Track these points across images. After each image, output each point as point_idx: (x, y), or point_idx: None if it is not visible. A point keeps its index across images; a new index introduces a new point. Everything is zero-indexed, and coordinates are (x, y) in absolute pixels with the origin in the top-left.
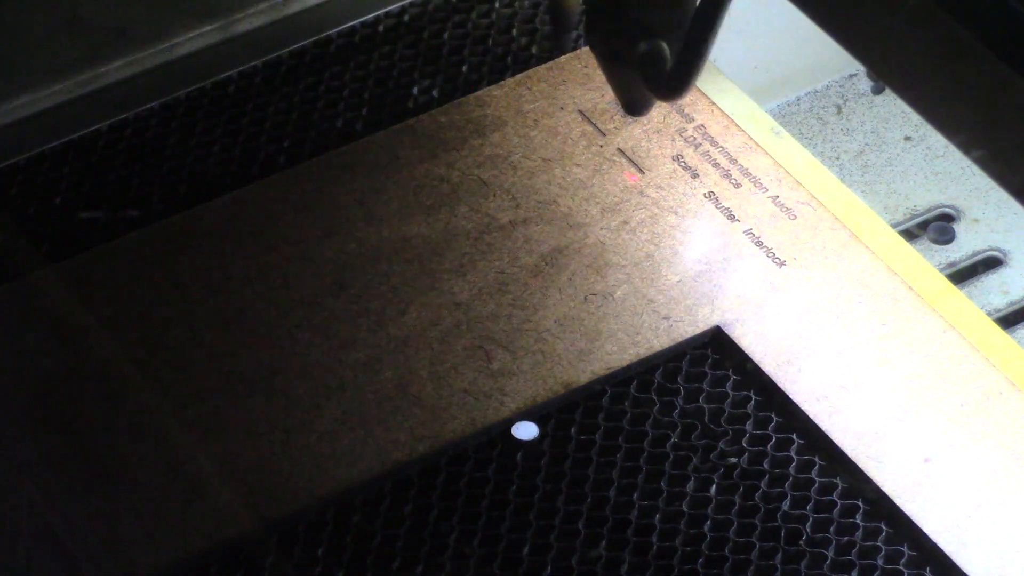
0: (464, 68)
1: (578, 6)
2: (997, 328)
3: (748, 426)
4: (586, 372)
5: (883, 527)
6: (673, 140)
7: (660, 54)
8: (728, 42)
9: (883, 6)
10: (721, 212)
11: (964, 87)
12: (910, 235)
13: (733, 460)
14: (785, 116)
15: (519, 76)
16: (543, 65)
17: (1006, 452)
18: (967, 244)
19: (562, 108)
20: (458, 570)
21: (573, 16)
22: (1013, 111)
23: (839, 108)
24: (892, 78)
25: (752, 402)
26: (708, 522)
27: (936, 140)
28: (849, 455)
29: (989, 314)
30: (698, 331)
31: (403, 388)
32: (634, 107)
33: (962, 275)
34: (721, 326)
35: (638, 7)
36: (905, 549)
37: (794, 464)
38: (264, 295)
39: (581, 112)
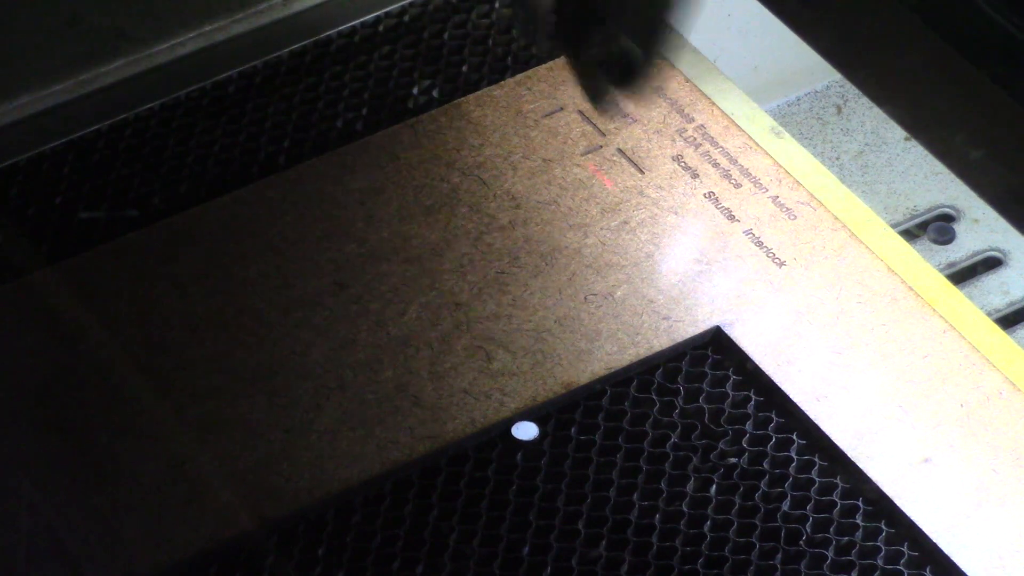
0: (464, 68)
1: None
2: (997, 328)
3: (748, 426)
4: (586, 372)
5: (883, 527)
6: (673, 140)
7: (633, 57)
8: (728, 42)
9: (861, 18)
10: (721, 212)
11: (942, 97)
12: (910, 235)
13: (733, 460)
14: (785, 116)
15: (519, 76)
16: (543, 65)
17: (1006, 452)
18: (967, 244)
19: (562, 108)
20: (458, 570)
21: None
22: (991, 120)
23: (839, 108)
24: (869, 87)
25: (752, 402)
26: (708, 522)
27: None
28: (849, 455)
29: (989, 314)
30: (698, 331)
31: (403, 388)
32: (609, 109)
33: (962, 275)
34: (721, 326)
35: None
36: (905, 549)
37: (794, 464)
38: (264, 295)
39: (581, 112)
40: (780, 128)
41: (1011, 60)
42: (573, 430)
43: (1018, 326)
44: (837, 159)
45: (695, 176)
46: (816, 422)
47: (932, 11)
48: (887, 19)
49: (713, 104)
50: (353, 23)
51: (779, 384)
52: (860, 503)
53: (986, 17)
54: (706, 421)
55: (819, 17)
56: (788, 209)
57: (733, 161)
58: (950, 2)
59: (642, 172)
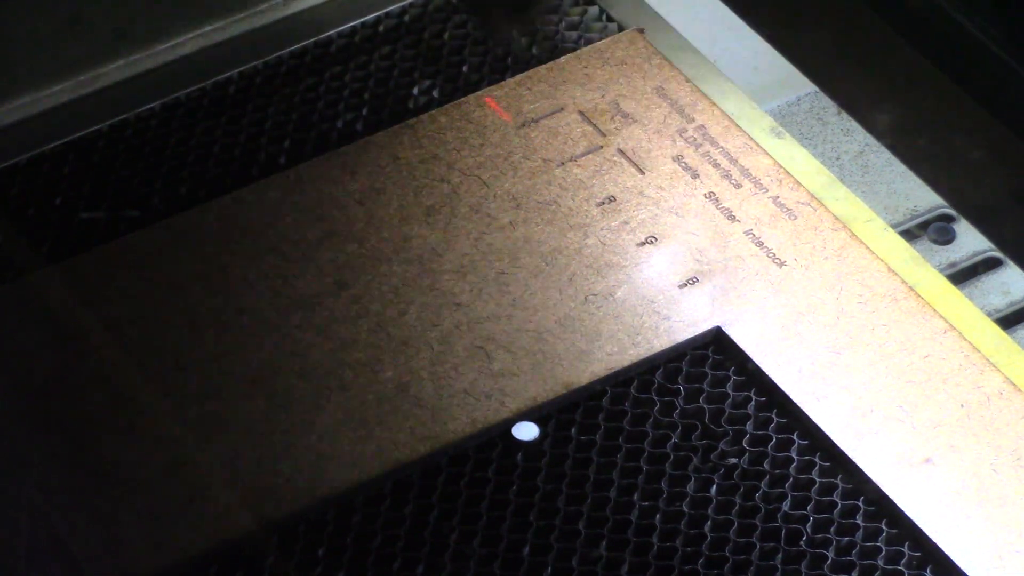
0: (464, 68)
1: None
2: (997, 328)
3: (748, 426)
4: (586, 372)
5: (883, 527)
6: (673, 140)
7: None
8: (728, 42)
9: (839, 35)
10: (721, 212)
11: (921, 109)
12: (910, 235)
13: (733, 460)
14: (785, 116)
15: (519, 76)
16: (543, 65)
17: (1006, 452)
18: (967, 244)
19: (562, 108)
20: (459, 570)
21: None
22: (970, 136)
23: (839, 108)
24: (849, 103)
25: (752, 402)
26: (708, 522)
27: None
28: (849, 455)
29: (989, 314)
30: (698, 331)
31: (403, 388)
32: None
33: (962, 275)
34: (721, 326)
35: None
36: (906, 549)
37: (794, 464)
38: (264, 295)
39: (581, 112)
40: (780, 128)
41: (991, 77)
42: (573, 430)
43: (1018, 326)
44: (837, 159)
45: (695, 176)
46: (816, 422)
47: (910, 26)
48: (862, 31)
49: (713, 104)
50: (353, 23)
51: (779, 384)
52: (861, 503)
53: (968, 35)
54: (706, 421)
55: (795, 31)
56: (788, 209)
57: (733, 161)
58: (929, 18)
59: (642, 172)
